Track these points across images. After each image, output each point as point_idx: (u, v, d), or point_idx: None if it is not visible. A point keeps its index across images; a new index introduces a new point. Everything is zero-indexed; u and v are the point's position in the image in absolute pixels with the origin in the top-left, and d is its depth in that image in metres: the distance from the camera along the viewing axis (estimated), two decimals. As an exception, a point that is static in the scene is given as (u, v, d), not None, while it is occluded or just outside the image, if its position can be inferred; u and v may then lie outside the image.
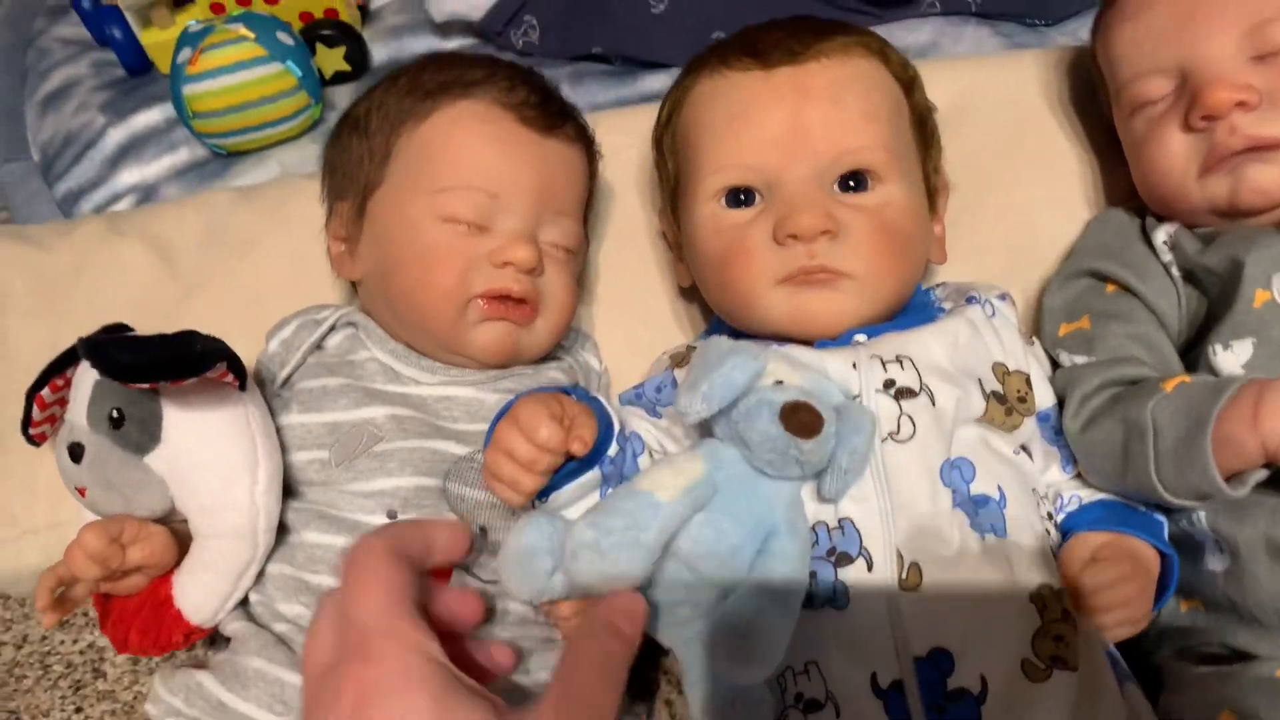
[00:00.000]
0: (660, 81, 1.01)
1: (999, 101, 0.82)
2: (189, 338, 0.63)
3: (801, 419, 0.57)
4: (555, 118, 0.72)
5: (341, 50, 1.11)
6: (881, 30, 1.01)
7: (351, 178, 0.73)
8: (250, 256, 0.82)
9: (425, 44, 1.14)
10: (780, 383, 0.59)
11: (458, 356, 0.71)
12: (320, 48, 1.10)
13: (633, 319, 0.81)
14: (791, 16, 0.73)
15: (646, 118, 0.81)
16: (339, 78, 1.12)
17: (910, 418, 0.61)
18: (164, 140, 1.07)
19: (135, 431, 0.64)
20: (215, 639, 0.70)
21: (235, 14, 1.05)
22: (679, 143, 0.73)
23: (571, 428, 0.59)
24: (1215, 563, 0.65)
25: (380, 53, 1.15)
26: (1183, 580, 0.66)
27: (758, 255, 0.66)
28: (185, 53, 0.99)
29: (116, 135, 1.09)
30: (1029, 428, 0.67)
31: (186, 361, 0.59)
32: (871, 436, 0.59)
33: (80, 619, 0.87)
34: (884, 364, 0.63)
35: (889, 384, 0.62)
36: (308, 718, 0.43)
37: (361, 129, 0.73)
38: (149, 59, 1.15)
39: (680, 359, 0.71)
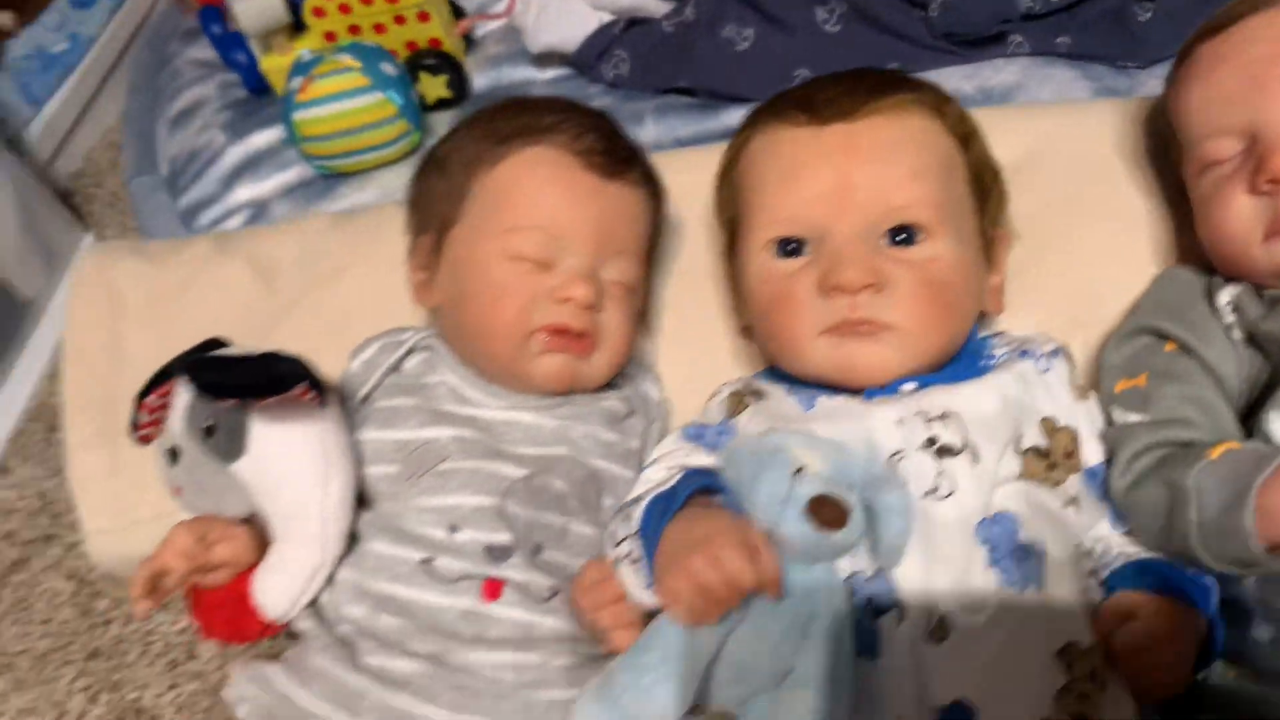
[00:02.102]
0: (741, 116, 1.03)
1: (1071, 151, 0.82)
2: (273, 359, 0.69)
3: (829, 513, 0.59)
4: (620, 164, 0.75)
5: (444, 79, 1.17)
6: (967, 70, 1.03)
7: (432, 214, 0.78)
8: (341, 281, 0.88)
9: (523, 74, 1.20)
10: (801, 470, 0.61)
11: (520, 383, 0.75)
12: (424, 75, 1.16)
13: (695, 353, 0.84)
14: (854, 70, 0.75)
15: (713, 156, 0.85)
16: (441, 104, 1.18)
17: (950, 476, 0.63)
18: (277, 160, 1.15)
19: (224, 442, 0.70)
20: (292, 633, 0.75)
21: (345, 44, 1.13)
22: (735, 194, 0.76)
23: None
24: (1263, 631, 0.64)
25: (480, 81, 1.20)
26: (1230, 647, 0.65)
27: (803, 306, 0.68)
28: (297, 80, 1.07)
29: (235, 153, 1.18)
30: (1075, 484, 0.67)
31: (268, 383, 0.65)
32: (907, 512, 0.61)
33: (177, 604, 0.94)
34: (928, 421, 0.64)
35: (931, 441, 0.63)
36: None
37: (442, 169, 0.78)
38: (268, 82, 1.23)
39: (739, 403, 0.73)
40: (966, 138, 0.73)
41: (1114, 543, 0.69)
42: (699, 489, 0.63)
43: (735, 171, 0.76)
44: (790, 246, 0.69)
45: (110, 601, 0.96)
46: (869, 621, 0.62)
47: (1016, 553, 0.62)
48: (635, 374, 0.82)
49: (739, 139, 0.77)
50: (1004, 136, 0.78)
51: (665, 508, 0.62)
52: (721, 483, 0.63)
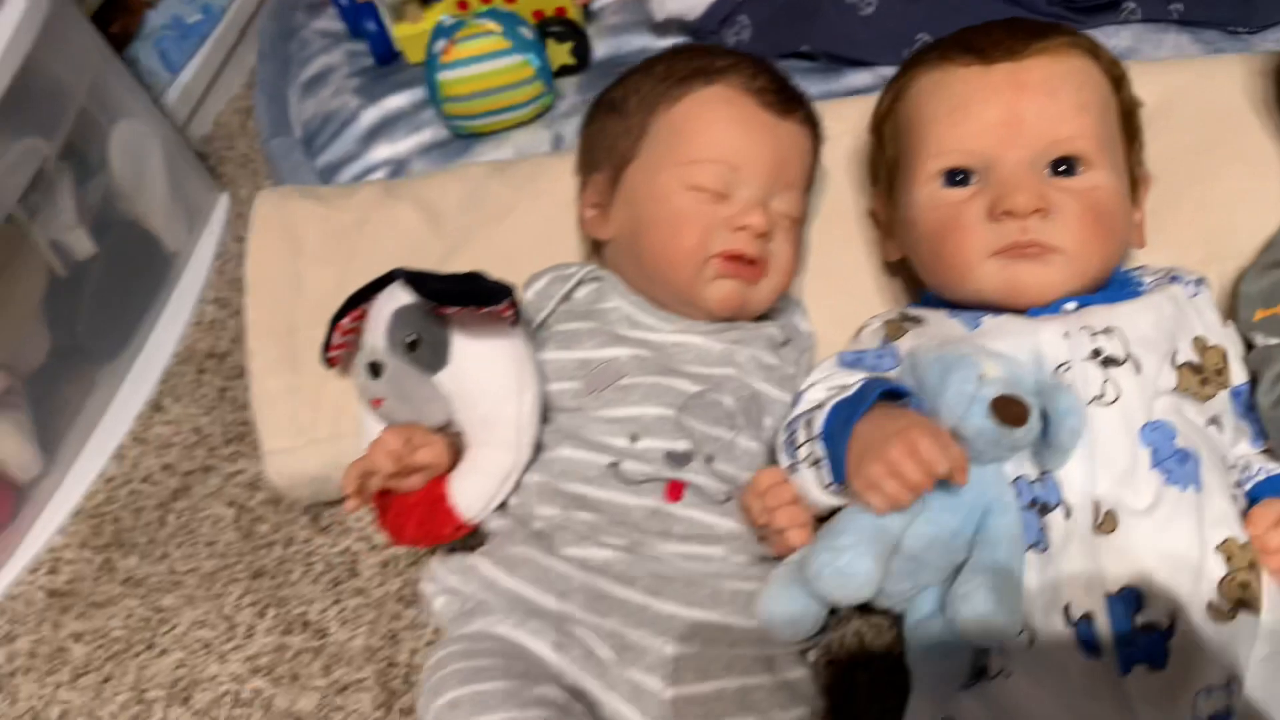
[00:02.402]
0: (864, 79, 1.09)
1: (1201, 102, 0.87)
2: (478, 277, 0.75)
3: (1012, 410, 0.65)
4: (790, 103, 0.82)
5: (569, 45, 1.23)
6: (1082, 35, 1.07)
7: (608, 152, 0.84)
8: (505, 221, 0.94)
9: (642, 42, 1.25)
10: (982, 375, 0.67)
11: (691, 309, 0.81)
12: (550, 42, 1.22)
13: (839, 290, 0.89)
14: (1008, 19, 0.80)
15: (857, 108, 0.90)
16: (564, 70, 1.24)
17: (1115, 383, 0.68)
18: (412, 121, 1.21)
19: (428, 354, 0.76)
20: (474, 539, 0.81)
21: (481, 10, 1.19)
22: (900, 130, 0.81)
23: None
24: None
25: (601, 49, 1.26)
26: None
27: (973, 230, 0.73)
28: (440, 44, 1.13)
29: (370, 116, 1.24)
30: (1222, 401, 0.72)
31: (483, 294, 0.71)
32: (1082, 412, 0.66)
33: (336, 528, 1.00)
34: (1093, 334, 0.69)
35: (1096, 352, 0.69)
36: None
37: (618, 110, 0.84)
38: (396, 50, 1.30)
39: (897, 329, 0.79)
40: (1118, 80, 0.78)
41: (1255, 460, 0.74)
42: (882, 395, 0.68)
43: (898, 111, 0.81)
44: (958, 177, 0.75)
45: (271, 526, 1.02)
46: (1036, 519, 0.67)
47: (1176, 456, 0.67)
48: (786, 307, 0.88)
49: (899, 83, 0.82)
50: (1137, 89, 0.83)
51: (852, 411, 0.67)
52: (904, 388, 0.69)
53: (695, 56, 0.83)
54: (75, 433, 1.13)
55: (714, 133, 0.79)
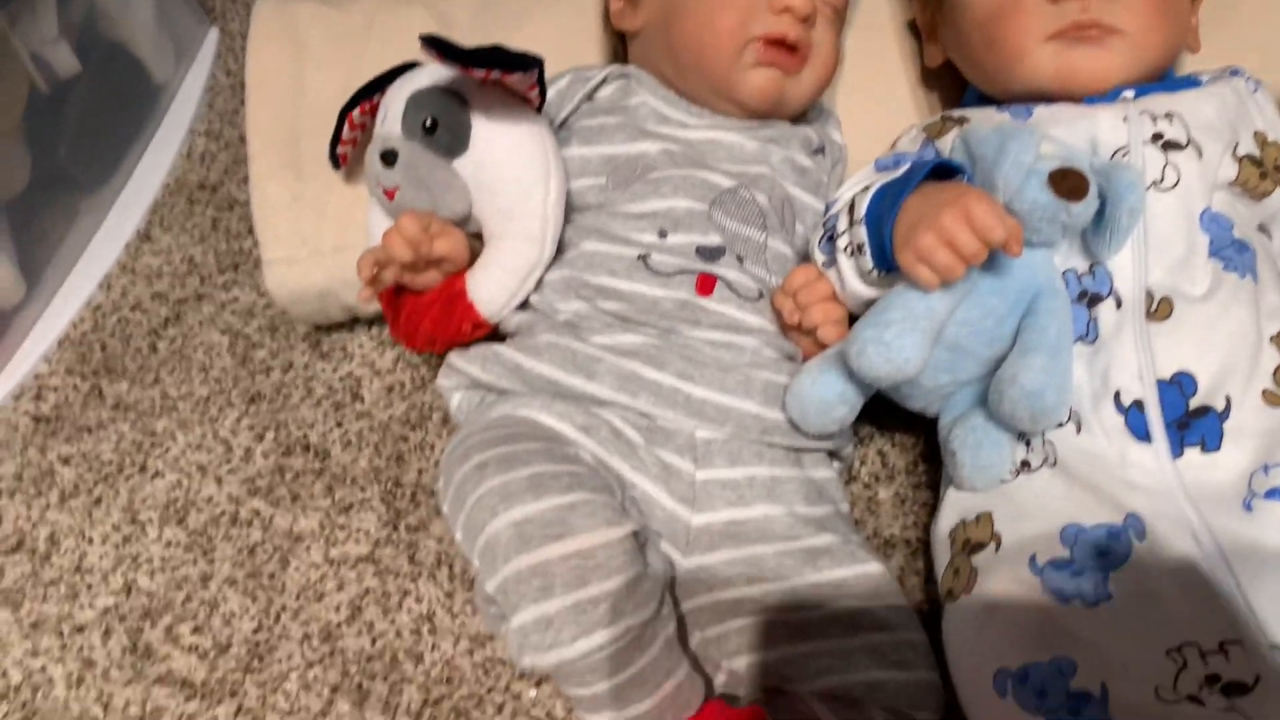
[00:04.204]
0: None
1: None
2: (503, 49, 0.70)
3: (1071, 183, 0.61)
4: None
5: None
6: None
7: (639, -63, 0.79)
8: (522, 29, 0.89)
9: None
10: (1040, 151, 0.63)
11: (726, 103, 0.77)
12: None
13: (873, 101, 0.85)
14: None
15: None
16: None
17: (1175, 167, 0.65)
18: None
19: (446, 137, 0.71)
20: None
21: None
22: None
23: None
24: None
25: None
26: None
27: (1030, 12, 0.69)
28: None
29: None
30: (1276, 201, 0.70)
31: (513, 59, 0.66)
32: (1142, 190, 0.63)
33: (337, 354, 0.97)
34: (1154, 119, 0.66)
35: (1157, 136, 0.66)
36: None
37: None
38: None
39: (936, 130, 0.75)
40: None
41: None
42: (931, 173, 0.65)
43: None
44: (1016, -41, 0.71)
45: (268, 352, 0.98)
46: (1085, 311, 0.65)
47: (1234, 245, 0.65)
48: (820, 116, 0.84)
49: None
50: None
51: (900, 189, 0.64)
52: (955, 163, 0.65)
53: None
54: (60, 261, 1.08)
55: None
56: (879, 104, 0.85)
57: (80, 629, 0.85)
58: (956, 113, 0.77)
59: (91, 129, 1.11)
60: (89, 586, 0.87)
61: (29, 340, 1.04)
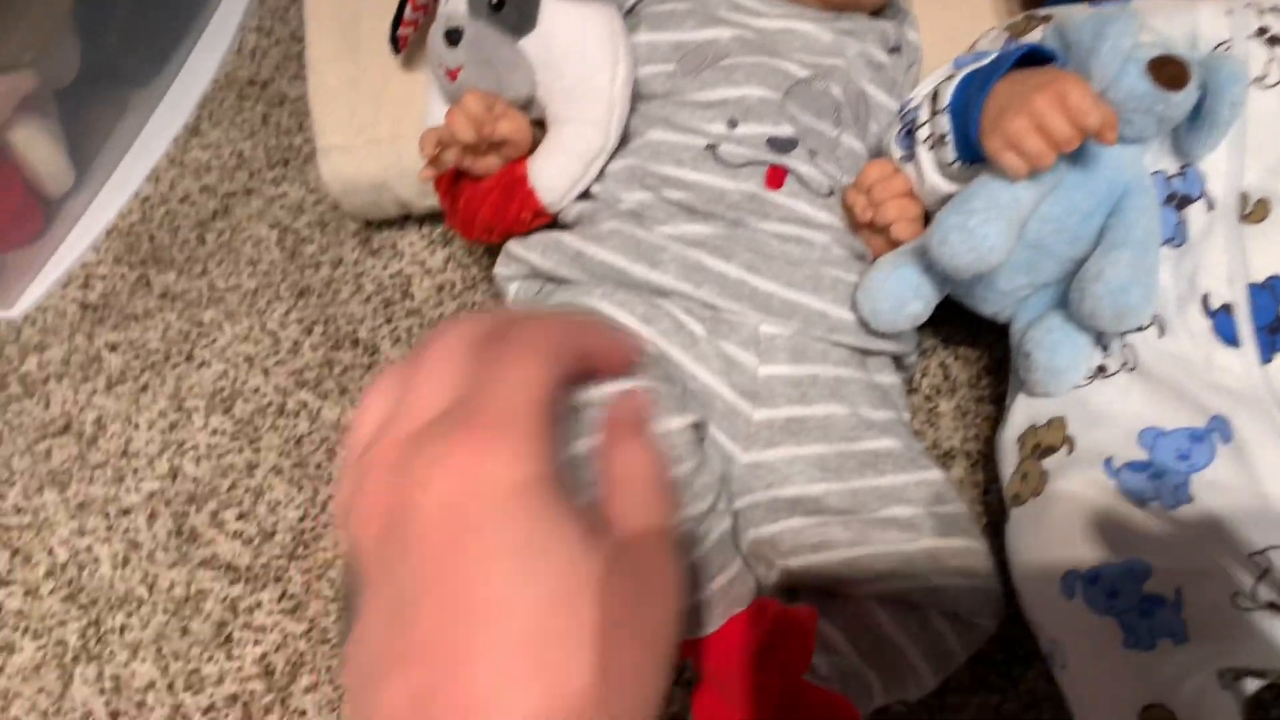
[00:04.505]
0: None
1: None
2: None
3: (1171, 71, 0.58)
4: None
5: None
6: None
7: None
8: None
9: None
10: (1140, 38, 0.60)
11: (803, -9, 0.74)
12: None
13: (948, 7, 0.82)
14: None
15: None
16: None
17: (1279, 63, 0.62)
18: None
19: (514, 15, 0.69)
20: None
21: None
22: None
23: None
24: None
25: None
26: None
27: (1132, -105, 0.66)
28: None
29: None
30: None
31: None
32: (1246, 83, 0.60)
33: (387, 251, 0.95)
34: (1260, 12, 0.63)
35: (1262, 30, 0.62)
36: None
37: None
38: None
39: (1020, 29, 0.72)
40: None
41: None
42: (1022, 59, 0.62)
43: None
44: None
45: (318, 247, 0.97)
46: (1174, 214, 0.62)
47: (1340, 147, 0.62)
48: (897, 14, 0.81)
49: None
50: None
51: (989, 75, 0.61)
52: (1048, 49, 0.62)
53: None
54: (108, 153, 1.07)
55: None
56: (954, 9, 0.82)
57: (126, 511, 0.85)
58: (1043, 11, 0.73)
59: (142, 22, 1.10)
60: (135, 470, 0.87)
61: (77, 229, 1.04)
